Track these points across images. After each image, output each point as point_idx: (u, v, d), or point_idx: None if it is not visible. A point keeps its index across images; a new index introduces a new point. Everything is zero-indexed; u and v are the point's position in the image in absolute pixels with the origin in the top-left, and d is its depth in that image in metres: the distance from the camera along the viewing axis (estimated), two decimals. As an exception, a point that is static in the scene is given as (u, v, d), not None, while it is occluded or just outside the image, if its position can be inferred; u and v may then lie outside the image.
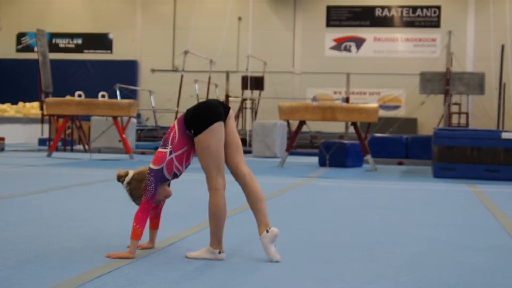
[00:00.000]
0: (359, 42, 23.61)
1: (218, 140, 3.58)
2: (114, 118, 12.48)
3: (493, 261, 3.80)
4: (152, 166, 3.65)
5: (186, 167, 3.73)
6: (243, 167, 3.71)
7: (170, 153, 3.64)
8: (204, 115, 3.58)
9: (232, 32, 23.46)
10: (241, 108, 19.86)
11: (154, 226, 3.89)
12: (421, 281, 3.25)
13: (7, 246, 3.84)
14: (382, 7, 23.49)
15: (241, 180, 3.71)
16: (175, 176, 3.71)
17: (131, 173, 3.76)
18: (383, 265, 3.59)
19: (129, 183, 3.73)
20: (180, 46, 22.80)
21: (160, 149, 3.67)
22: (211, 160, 3.58)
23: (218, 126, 3.59)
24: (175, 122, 3.69)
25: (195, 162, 3.67)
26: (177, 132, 3.65)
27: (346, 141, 12.02)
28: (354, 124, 11.31)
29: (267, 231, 3.60)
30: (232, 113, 3.74)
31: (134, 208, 3.75)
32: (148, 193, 3.61)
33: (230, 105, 14.37)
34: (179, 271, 3.33)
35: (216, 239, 3.60)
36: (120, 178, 3.77)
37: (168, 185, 3.82)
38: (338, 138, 15.80)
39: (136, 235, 3.57)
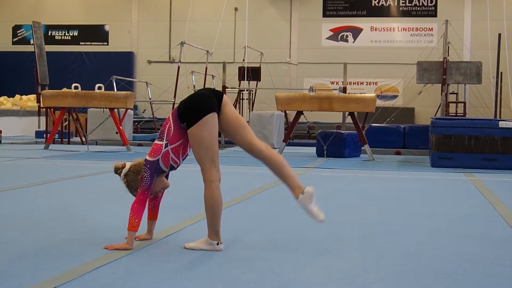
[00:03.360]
0: (356, 32, 23.56)
1: (211, 132, 3.56)
2: (111, 110, 12.46)
3: (491, 250, 3.80)
4: (148, 157, 3.64)
5: (184, 159, 3.72)
6: (256, 143, 3.69)
7: (166, 145, 3.62)
8: (196, 107, 3.55)
9: (229, 23, 23.42)
10: (238, 99, 19.84)
11: (153, 217, 3.88)
12: (419, 270, 3.25)
13: (5, 238, 3.83)
14: (379, -3, 23.44)
15: (258, 156, 3.70)
16: (172, 168, 3.70)
17: (128, 165, 3.75)
18: (381, 255, 3.60)
19: (126, 175, 3.72)
20: (177, 37, 22.74)
21: (156, 141, 3.67)
22: (204, 152, 3.56)
23: (211, 117, 3.56)
24: (170, 114, 3.68)
25: (192, 153, 3.66)
26: (172, 125, 3.63)
27: (343, 131, 12.02)
28: (351, 114, 11.31)
29: (302, 192, 3.59)
30: (227, 98, 3.71)
31: (131, 200, 3.75)
32: (144, 184, 3.60)
33: (227, 96, 14.35)
34: (177, 262, 3.32)
35: (213, 231, 3.60)
36: (117, 170, 3.76)
37: (167, 177, 3.82)
38: (336, 128, 15.79)
39: (132, 226, 3.56)
